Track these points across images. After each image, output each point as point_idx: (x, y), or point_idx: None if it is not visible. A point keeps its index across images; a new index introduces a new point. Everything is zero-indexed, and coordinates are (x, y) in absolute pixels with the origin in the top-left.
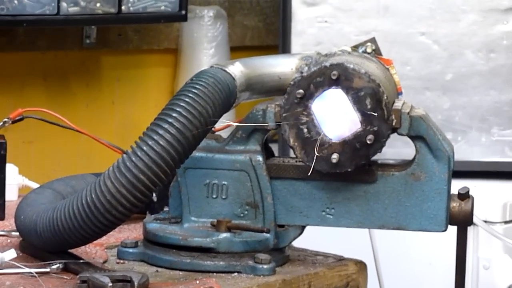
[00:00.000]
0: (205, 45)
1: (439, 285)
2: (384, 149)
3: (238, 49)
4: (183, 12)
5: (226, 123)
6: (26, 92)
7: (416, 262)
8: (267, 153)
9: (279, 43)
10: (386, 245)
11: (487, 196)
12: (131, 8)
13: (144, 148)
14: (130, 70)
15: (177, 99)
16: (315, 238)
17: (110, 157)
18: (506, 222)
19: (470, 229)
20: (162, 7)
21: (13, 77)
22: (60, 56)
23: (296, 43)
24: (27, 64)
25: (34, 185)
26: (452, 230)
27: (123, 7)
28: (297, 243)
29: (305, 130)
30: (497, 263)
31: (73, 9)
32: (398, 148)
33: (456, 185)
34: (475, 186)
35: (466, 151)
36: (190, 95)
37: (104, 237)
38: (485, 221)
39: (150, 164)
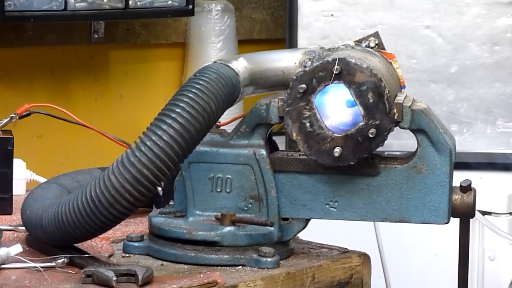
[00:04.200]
0: (213, 39)
1: (445, 277)
2: (390, 141)
3: (246, 43)
4: (190, 6)
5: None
6: (35, 87)
7: (421, 254)
8: (271, 147)
9: (285, 36)
10: (391, 237)
11: (492, 188)
12: (138, 3)
13: (148, 143)
14: (138, 64)
15: (180, 94)
16: (322, 231)
17: (119, 151)
18: (511, 214)
19: (475, 220)
20: (169, 2)
21: (22, 72)
22: (68, 51)
23: (302, 36)
24: (35, 59)
25: (42, 180)
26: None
27: (130, 2)
28: (304, 235)
29: (308, 124)
30: (502, 254)
31: (80, 5)
32: (404, 140)
33: (461, 177)
34: (481, 178)
35: (471, 143)
36: (194, 90)
37: (110, 231)
38: (490, 213)
39: (154, 159)
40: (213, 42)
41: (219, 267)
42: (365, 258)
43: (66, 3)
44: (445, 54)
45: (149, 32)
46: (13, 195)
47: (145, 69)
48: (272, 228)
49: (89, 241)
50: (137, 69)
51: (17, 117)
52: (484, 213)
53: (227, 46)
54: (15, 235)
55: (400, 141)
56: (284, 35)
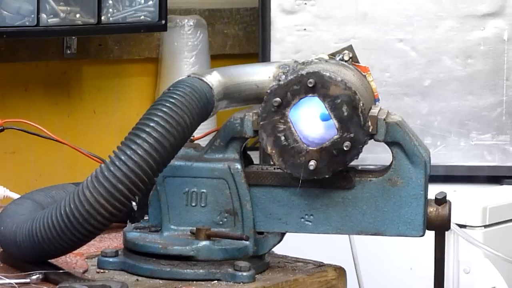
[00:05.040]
0: (185, 54)
1: None
2: (364, 154)
3: (218, 57)
4: (163, 21)
5: (205, 132)
6: (7, 102)
7: (397, 267)
8: (246, 161)
9: (258, 51)
10: (367, 250)
11: (466, 201)
12: (110, 19)
13: (122, 157)
14: (111, 79)
15: (154, 109)
16: (296, 245)
17: (92, 167)
18: (485, 226)
19: (450, 233)
20: (142, 17)
21: None
22: (41, 67)
23: (275, 51)
24: (8, 75)
25: (16, 196)
26: (434, 234)
27: (102, 18)
28: (279, 249)
29: (283, 138)
30: (477, 267)
31: (52, 20)
32: (378, 153)
33: (436, 190)
34: (455, 191)
35: (445, 155)
36: (168, 104)
37: (85, 247)
38: (465, 226)
39: (128, 174)
40: (186, 57)
41: (194, 281)
42: (340, 271)
43: (38, 19)
44: (419, 68)
45: (121, 47)
46: None
47: (118, 85)
48: (247, 242)
49: (64, 256)
50: (110, 85)
51: None
52: (458, 226)
53: (199, 61)
54: None
55: (373, 154)
56: (256, 50)
